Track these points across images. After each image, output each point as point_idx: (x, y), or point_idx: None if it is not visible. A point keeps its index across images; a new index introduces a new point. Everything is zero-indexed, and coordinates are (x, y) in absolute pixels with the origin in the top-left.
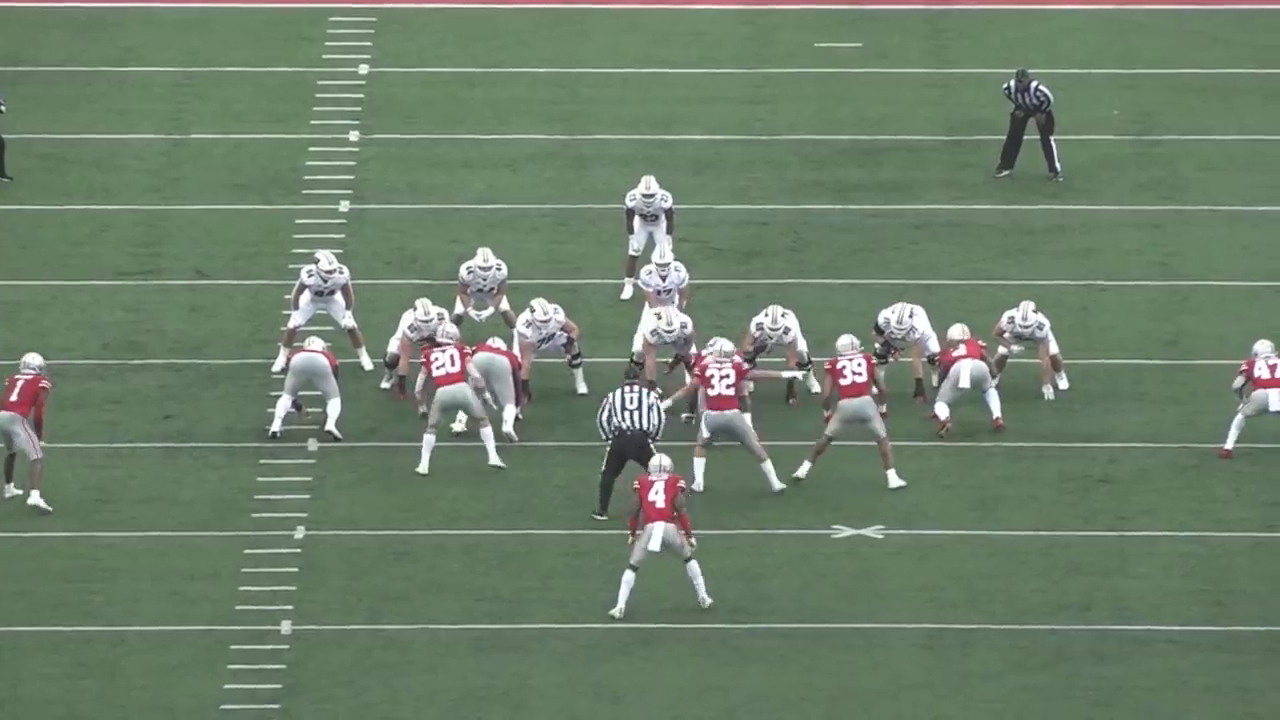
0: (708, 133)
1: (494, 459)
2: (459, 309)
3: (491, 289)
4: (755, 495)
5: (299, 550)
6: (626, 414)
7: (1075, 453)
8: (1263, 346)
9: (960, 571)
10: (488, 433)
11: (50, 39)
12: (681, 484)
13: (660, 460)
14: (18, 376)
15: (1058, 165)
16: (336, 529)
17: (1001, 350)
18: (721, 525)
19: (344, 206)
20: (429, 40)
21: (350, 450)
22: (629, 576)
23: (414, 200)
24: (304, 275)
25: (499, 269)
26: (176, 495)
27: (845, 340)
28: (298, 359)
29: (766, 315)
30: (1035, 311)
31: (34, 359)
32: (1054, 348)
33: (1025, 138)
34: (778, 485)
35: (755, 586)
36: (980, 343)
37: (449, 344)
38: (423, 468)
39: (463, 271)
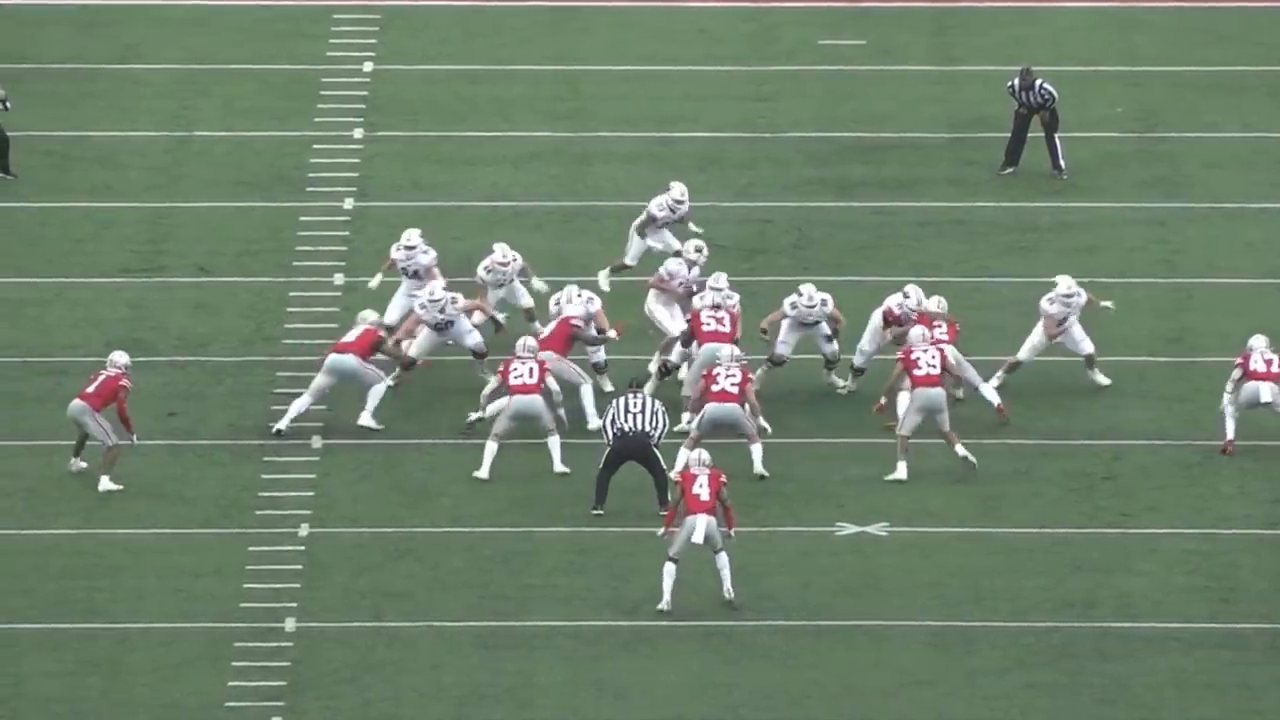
0: (711, 130)
1: (559, 466)
2: (479, 318)
3: (510, 281)
4: (758, 493)
5: (303, 547)
6: (630, 416)
7: (1079, 450)
8: (1258, 341)
9: (964, 569)
10: (554, 441)
11: (53, 36)
12: (724, 478)
13: (700, 454)
14: (101, 372)
15: (1062, 163)
16: (340, 526)
17: (1035, 342)
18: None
19: (348, 204)
20: (432, 38)
21: (354, 448)
22: (670, 568)
23: (417, 197)
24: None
25: (516, 260)
26: (180, 492)
27: (918, 331)
28: (328, 359)
29: (800, 294)
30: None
31: (120, 357)
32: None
33: (1029, 135)
34: (761, 470)
35: (759, 583)
36: (956, 325)
37: (529, 357)
38: (483, 473)
39: (481, 272)
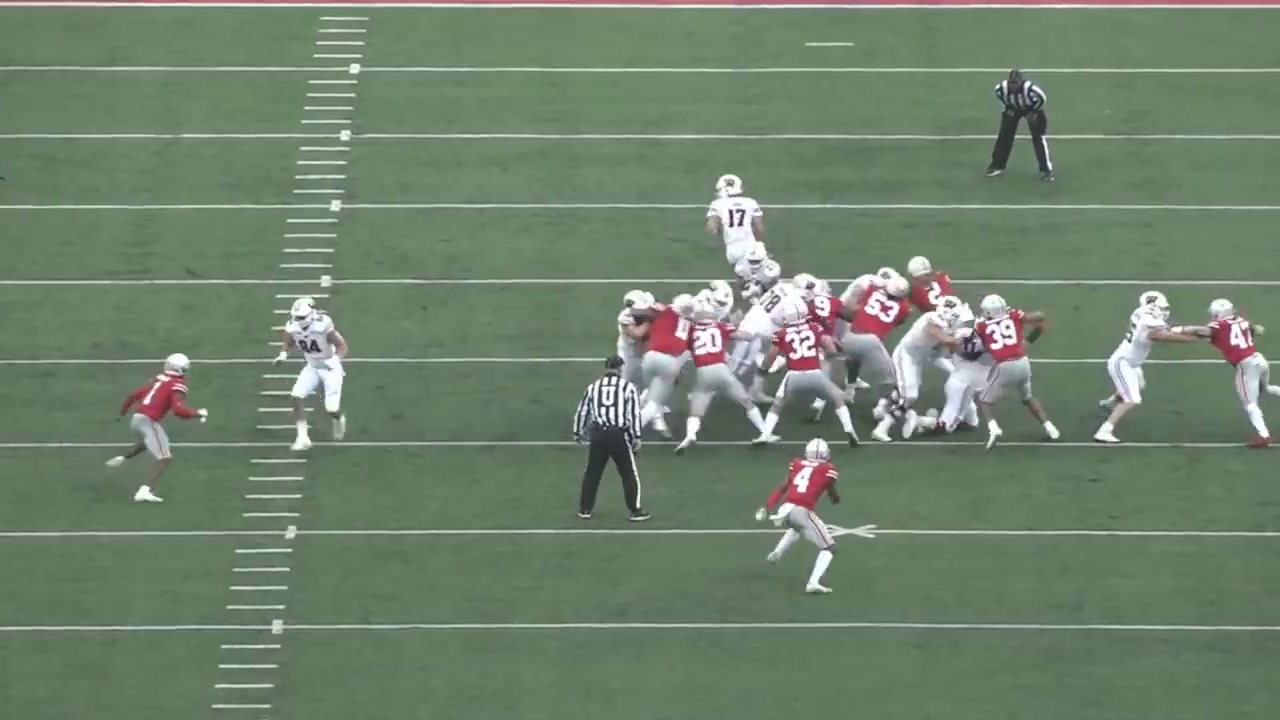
0: (698, 132)
1: (767, 436)
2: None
3: (736, 307)
4: (746, 495)
5: (290, 550)
6: (603, 409)
7: (1067, 452)
8: (1221, 306)
9: (952, 571)
10: (754, 414)
11: (41, 38)
12: (831, 474)
13: (817, 446)
14: (159, 377)
15: (1049, 164)
16: (328, 529)
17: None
18: (713, 525)
19: (335, 206)
20: (419, 40)
21: (341, 450)
22: (790, 533)
23: (405, 200)
24: None
25: (727, 298)
26: (168, 494)
27: (992, 301)
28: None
29: (950, 306)
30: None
31: (178, 360)
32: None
33: (1016, 137)
34: (850, 430)
35: (747, 585)
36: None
37: (711, 323)
38: (683, 443)
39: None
